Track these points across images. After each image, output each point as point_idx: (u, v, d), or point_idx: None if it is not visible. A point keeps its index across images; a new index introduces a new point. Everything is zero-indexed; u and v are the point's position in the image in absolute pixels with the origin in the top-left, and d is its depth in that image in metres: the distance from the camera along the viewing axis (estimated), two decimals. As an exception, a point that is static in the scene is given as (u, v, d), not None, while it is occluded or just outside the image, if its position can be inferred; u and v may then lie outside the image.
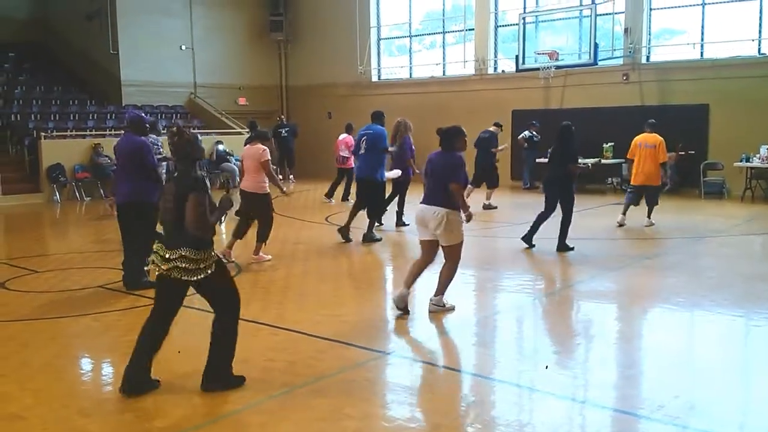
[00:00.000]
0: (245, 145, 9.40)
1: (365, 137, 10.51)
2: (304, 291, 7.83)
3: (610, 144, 16.82)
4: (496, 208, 14.04)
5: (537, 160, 17.02)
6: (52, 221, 14.72)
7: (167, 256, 4.67)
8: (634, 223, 11.77)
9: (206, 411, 4.53)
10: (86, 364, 5.82)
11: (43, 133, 17.11)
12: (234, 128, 20.35)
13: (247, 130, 13.95)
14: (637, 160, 11.65)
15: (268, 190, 9.05)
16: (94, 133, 18.22)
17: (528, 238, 9.75)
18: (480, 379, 5.18)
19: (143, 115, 8.20)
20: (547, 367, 4.92)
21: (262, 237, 9.02)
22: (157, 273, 4.79)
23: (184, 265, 4.64)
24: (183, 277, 4.66)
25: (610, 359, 5.65)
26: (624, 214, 11.72)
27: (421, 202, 6.70)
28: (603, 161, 16.75)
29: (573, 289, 7.88)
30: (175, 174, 4.85)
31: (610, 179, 17.23)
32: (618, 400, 4.74)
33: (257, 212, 9.06)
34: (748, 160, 15.09)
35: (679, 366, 5.44)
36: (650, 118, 12.27)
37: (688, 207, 14.21)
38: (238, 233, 9.09)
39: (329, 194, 15.73)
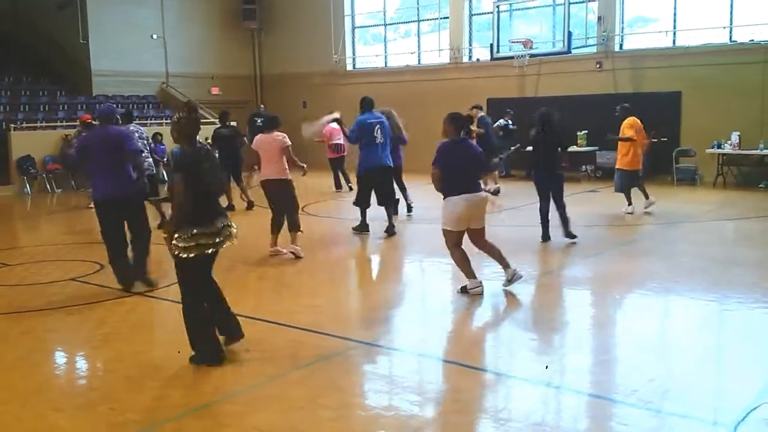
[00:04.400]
0: (256, 133, 9.13)
1: (379, 126, 9.94)
2: (281, 281, 7.80)
3: (584, 132, 16.92)
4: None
5: (512, 148, 17.07)
6: (23, 214, 14.50)
7: (230, 222, 5.14)
8: (612, 210, 11.87)
9: (181, 402, 4.49)
10: (60, 357, 5.76)
11: (12, 125, 16.83)
12: (207, 118, 20.13)
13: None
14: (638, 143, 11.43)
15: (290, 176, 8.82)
16: (64, 124, 17.94)
17: (545, 235, 9.45)
18: (456, 366, 5.20)
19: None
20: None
21: (296, 225, 8.76)
22: (223, 247, 5.08)
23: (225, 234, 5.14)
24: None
25: (585, 345, 5.70)
26: (647, 198, 11.59)
27: (468, 192, 6.68)
28: (577, 149, 16.88)
29: (549, 276, 7.93)
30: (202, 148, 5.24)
31: (584, 167, 17.32)
32: (592, 385, 4.78)
33: (284, 199, 8.75)
34: (719, 147, 15.26)
35: (653, 351, 5.50)
36: (626, 103, 11.93)
37: (660, 193, 14.30)
38: (278, 227, 8.87)
39: (341, 185, 15.59)
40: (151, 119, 19.59)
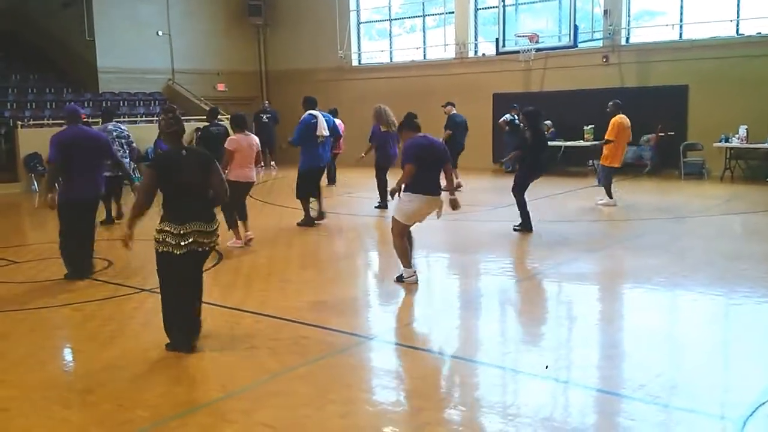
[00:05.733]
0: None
1: (318, 123, 10.41)
2: (286, 277, 7.80)
3: (590, 126, 16.85)
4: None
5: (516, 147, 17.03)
6: (31, 211, 14.53)
7: (210, 229, 5.10)
8: (618, 205, 11.84)
9: (188, 399, 4.50)
10: (67, 354, 5.78)
11: (19, 122, 16.86)
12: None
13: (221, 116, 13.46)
14: (621, 141, 11.71)
15: None
16: (71, 121, 17.97)
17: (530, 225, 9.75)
18: (463, 362, 5.20)
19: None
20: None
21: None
22: (196, 249, 5.06)
23: (218, 234, 5.22)
24: (214, 246, 5.24)
25: (592, 340, 5.69)
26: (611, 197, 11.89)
27: (429, 193, 6.87)
28: (584, 143, 16.86)
29: (555, 271, 7.91)
30: (186, 149, 5.22)
31: (591, 161, 17.27)
32: (600, 380, 4.77)
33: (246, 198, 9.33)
34: (727, 141, 15.19)
35: (660, 346, 5.49)
36: (617, 99, 12.17)
37: (668, 188, 14.31)
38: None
39: (335, 179, 16.05)
40: (157, 116, 19.59)
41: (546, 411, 4.24)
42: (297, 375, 4.82)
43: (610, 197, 11.87)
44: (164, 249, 5.02)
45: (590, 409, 4.38)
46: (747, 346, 5.41)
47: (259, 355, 5.18)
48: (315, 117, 10.41)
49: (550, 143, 11.94)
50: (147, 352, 5.38)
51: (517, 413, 4.20)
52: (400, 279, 7.13)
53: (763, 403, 4.22)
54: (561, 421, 4.12)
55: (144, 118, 19.31)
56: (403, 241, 7.05)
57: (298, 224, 10.62)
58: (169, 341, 5.28)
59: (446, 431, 4.07)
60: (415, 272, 7.12)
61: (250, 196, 9.90)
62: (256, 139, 9.16)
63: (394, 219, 7.07)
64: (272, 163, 20.46)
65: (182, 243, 4.99)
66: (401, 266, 7.15)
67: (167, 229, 4.99)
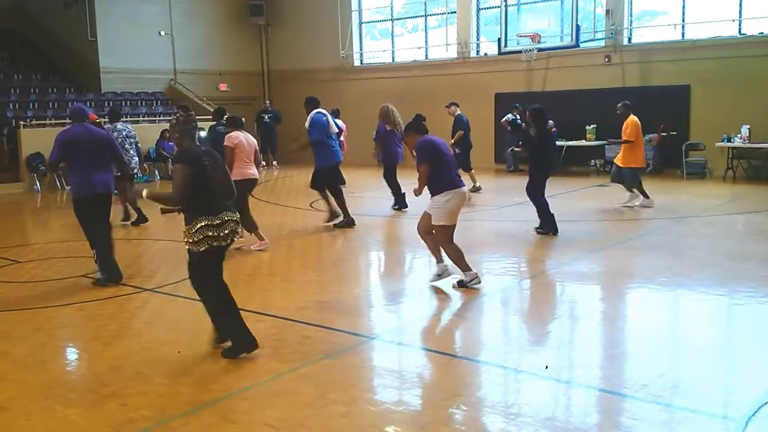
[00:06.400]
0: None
1: (328, 122, 10.49)
2: (289, 277, 7.80)
3: (593, 126, 16.86)
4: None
5: (521, 143, 17.02)
6: (33, 210, 14.57)
7: (237, 217, 5.21)
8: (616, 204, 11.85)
9: (191, 399, 4.50)
10: (70, 353, 5.78)
11: (22, 122, 16.90)
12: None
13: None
14: (640, 142, 11.59)
15: None
16: (73, 121, 17.98)
17: (556, 227, 9.62)
18: (466, 362, 5.20)
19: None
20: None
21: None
22: (233, 237, 5.13)
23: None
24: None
25: (595, 339, 5.69)
26: (640, 196, 11.72)
27: (460, 186, 6.85)
28: (586, 143, 16.85)
29: (557, 271, 7.91)
30: (205, 146, 5.35)
31: (593, 161, 17.28)
32: (602, 379, 4.76)
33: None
34: (729, 141, 15.19)
35: (662, 345, 5.49)
36: (626, 101, 11.99)
37: (670, 187, 14.28)
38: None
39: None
40: (159, 116, 19.63)
41: (548, 410, 4.24)
42: (299, 375, 4.83)
43: (647, 196, 11.62)
44: (207, 245, 4.97)
45: (592, 408, 4.38)
46: (749, 346, 5.41)
47: (261, 354, 5.18)
48: (325, 115, 10.46)
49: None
50: (149, 351, 5.39)
51: (519, 413, 4.20)
52: (461, 285, 6.90)
53: (766, 403, 4.22)
54: (563, 420, 4.12)
55: (146, 118, 19.34)
56: (455, 245, 6.87)
57: (336, 225, 10.52)
58: (231, 346, 5.17)
59: (448, 431, 4.07)
60: (477, 274, 6.92)
61: (252, 196, 9.87)
62: (253, 139, 9.17)
63: (438, 227, 6.81)
64: (274, 162, 20.49)
65: (225, 232, 5.02)
66: (461, 272, 6.94)
67: (205, 223, 4.94)
